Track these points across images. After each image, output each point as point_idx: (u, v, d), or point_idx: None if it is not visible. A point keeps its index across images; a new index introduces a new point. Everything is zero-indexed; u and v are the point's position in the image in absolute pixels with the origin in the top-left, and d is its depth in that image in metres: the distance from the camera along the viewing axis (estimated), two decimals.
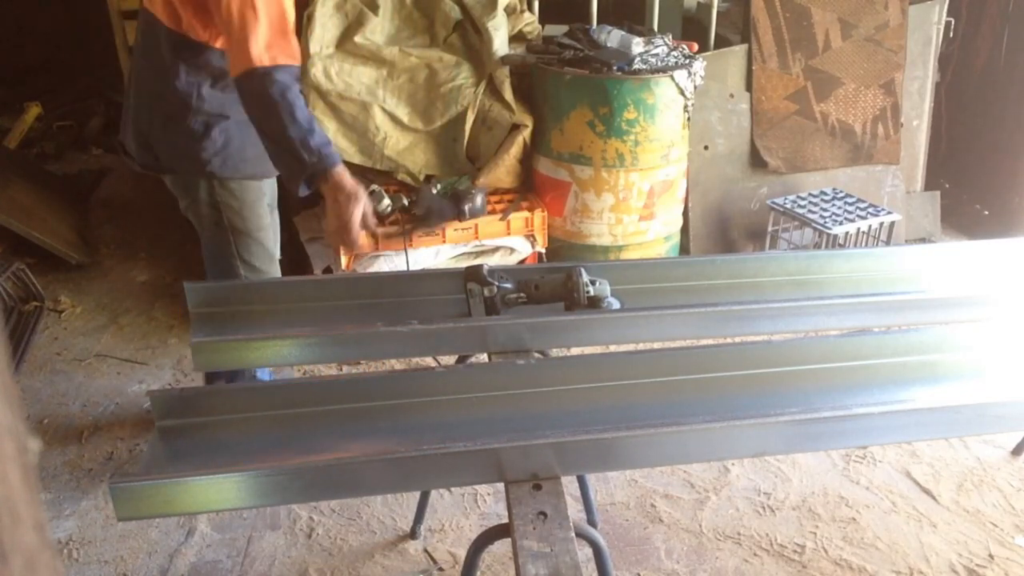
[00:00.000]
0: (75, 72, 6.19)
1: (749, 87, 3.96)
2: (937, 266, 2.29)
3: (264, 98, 1.98)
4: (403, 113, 3.38)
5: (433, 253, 3.35)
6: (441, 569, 2.40)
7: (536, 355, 1.90)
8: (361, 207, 2.08)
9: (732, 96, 3.94)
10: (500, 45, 3.42)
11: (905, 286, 2.23)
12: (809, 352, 1.82)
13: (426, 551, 2.46)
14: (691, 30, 4.11)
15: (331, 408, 1.66)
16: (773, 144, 4.03)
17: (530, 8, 3.83)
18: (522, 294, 1.97)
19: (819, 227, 3.58)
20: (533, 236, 3.49)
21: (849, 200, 3.82)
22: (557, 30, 3.70)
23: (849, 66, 4.05)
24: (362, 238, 2.16)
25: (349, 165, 3.43)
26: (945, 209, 4.47)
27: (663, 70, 3.33)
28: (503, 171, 3.49)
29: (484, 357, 1.94)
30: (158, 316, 3.72)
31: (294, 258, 3.87)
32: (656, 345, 2.13)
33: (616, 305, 1.97)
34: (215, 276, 2.55)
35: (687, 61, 3.42)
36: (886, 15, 4.05)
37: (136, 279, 4.06)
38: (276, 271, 2.62)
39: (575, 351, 2.21)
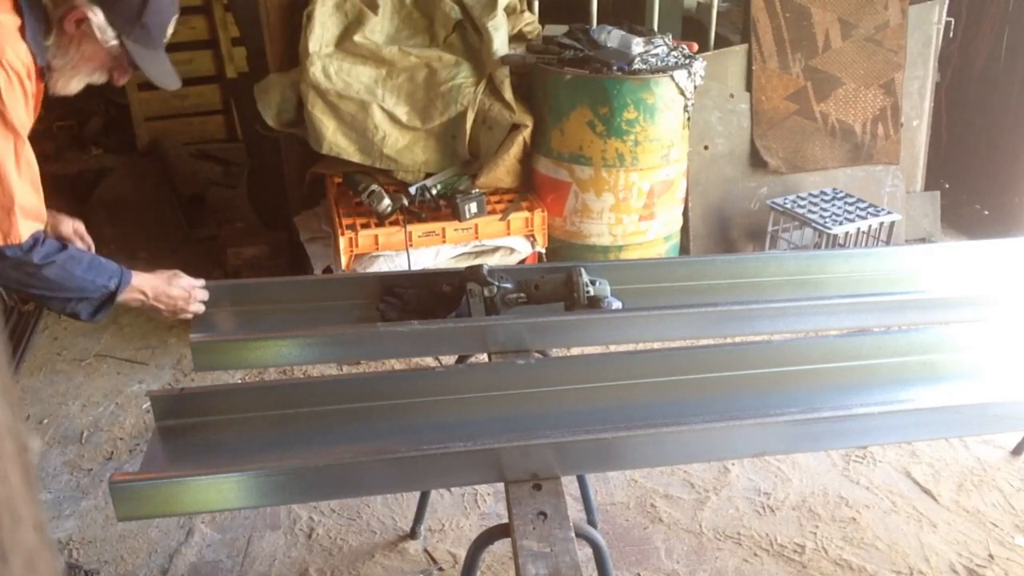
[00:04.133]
0: None
1: (749, 87, 3.96)
2: (937, 266, 2.29)
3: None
4: (402, 112, 3.38)
5: (433, 253, 3.35)
6: (441, 569, 2.40)
7: (536, 355, 1.90)
8: (171, 283, 1.94)
9: (732, 96, 3.94)
10: (500, 45, 3.42)
11: (905, 286, 2.23)
12: (809, 352, 1.83)
13: (426, 551, 2.46)
14: (691, 30, 4.11)
15: (331, 408, 1.66)
16: (773, 144, 4.02)
17: (530, 8, 3.83)
18: (522, 294, 1.97)
19: (819, 227, 3.58)
20: (533, 236, 3.48)
21: (849, 200, 3.82)
22: (557, 30, 3.69)
23: (849, 66, 4.05)
24: (196, 304, 1.99)
25: (349, 164, 3.45)
26: (945, 209, 4.47)
27: (663, 70, 3.33)
28: (503, 171, 3.49)
29: (484, 357, 1.94)
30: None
31: (294, 258, 3.87)
32: (656, 345, 2.13)
33: (616, 305, 1.98)
34: None
35: (687, 61, 3.42)
36: (886, 15, 4.05)
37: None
38: None
39: (575, 351, 2.21)
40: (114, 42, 1.74)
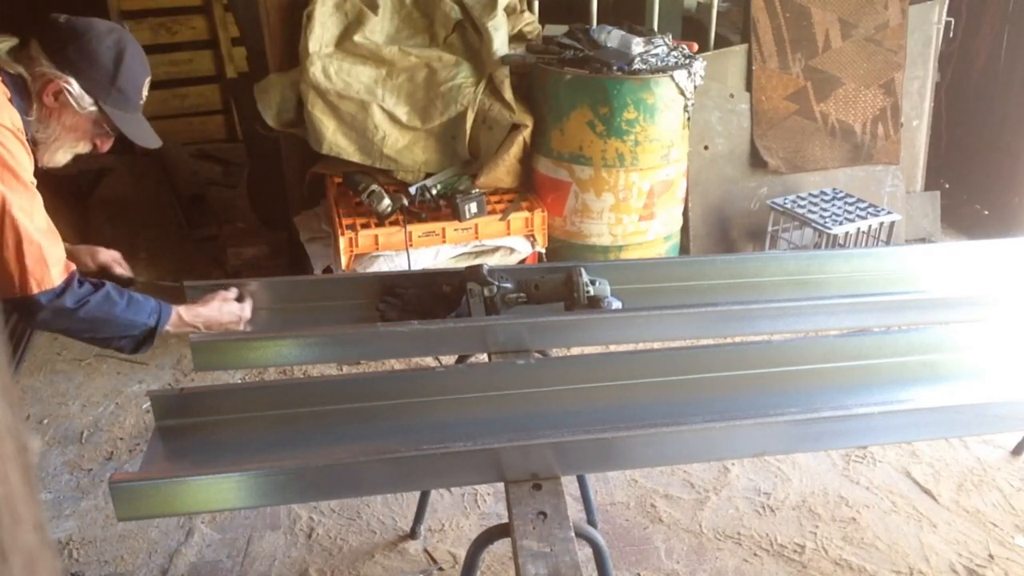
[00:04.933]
0: None
1: (749, 87, 3.96)
2: (937, 266, 2.29)
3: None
4: (402, 112, 3.38)
5: (433, 253, 3.35)
6: (441, 569, 2.40)
7: (536, 355, 1.90)
8: (222, 310, 1.96)
9: (732, 96, 3.94)
10: (500, 45, 3.42)
11: (905, 286, 2.23)
12: (809, 352, 1.83)
13: (426, 551, 2.46)
14: (691, 30, 4.11)
15: (331, 408, 1.66)
16: (773, 144, 4.02)
17: (530, 8, 3.83)
18: (522, 294, 1.97)
19: (819, 227, 3.57)
20: (533, 236, 3.48)
21: (849, 200, 3.82)
22: (557, 30, 3.69)
23: (849, 66, 4.05)
24: (244, 312, 2.00)
25: (349, 164, 3.45)
26: (945, 209, 4.47)
27: (663, 70, 3.33)
28: (503, 171, 3.49)
29: (484, 357, 1.94)
30: None
31: (294, 258, 3.87)
32: (656, 345, 2.13)
33: (616, 305, 1.98)
34: None
35: (687, 61, 3.42)
36: (886, 15, 4.05)
37: (136, 279, 4.05)
38: None
39: (575, 351, 2.21)
40: (92, 108, 1.78)
